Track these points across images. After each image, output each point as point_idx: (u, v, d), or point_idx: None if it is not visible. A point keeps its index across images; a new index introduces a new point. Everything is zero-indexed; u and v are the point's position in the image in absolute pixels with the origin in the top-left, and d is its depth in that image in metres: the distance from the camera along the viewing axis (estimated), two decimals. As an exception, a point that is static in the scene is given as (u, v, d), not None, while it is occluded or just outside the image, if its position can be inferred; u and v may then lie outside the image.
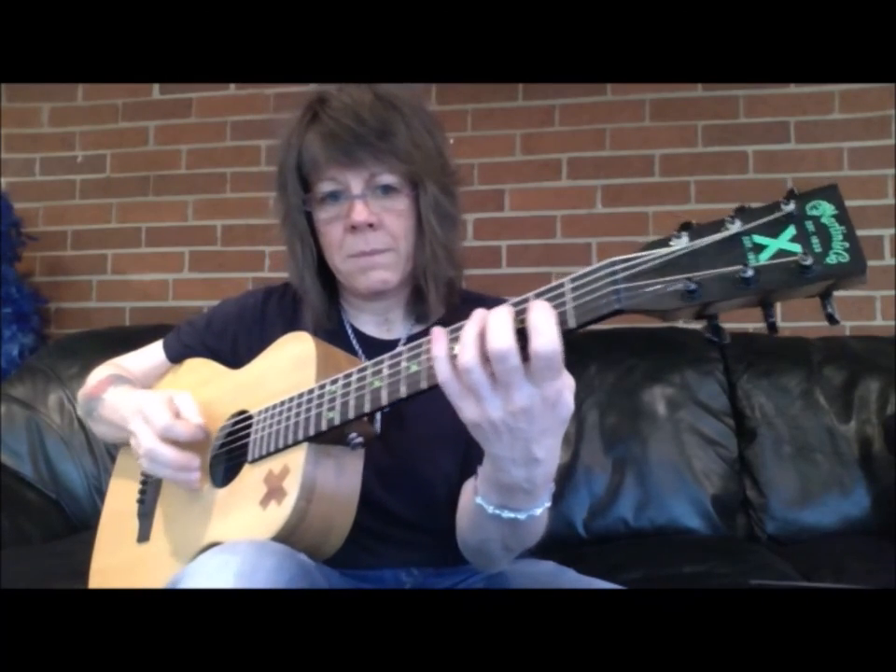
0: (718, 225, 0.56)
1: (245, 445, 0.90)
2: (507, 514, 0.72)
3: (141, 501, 1.01)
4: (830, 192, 0.55)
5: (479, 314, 0.63)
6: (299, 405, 0.84)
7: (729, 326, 2.03)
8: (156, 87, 2.47)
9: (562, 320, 0.60)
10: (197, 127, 2.44)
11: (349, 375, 0.79)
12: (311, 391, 0.83)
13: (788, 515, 1.73)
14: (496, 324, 0.61)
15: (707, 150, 2.21)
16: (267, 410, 0.88)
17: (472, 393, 0.63)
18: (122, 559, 1.01)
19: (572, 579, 0.92)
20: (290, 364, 0.91)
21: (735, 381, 1.85)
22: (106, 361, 1.15)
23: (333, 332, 1.02)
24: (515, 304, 0.63)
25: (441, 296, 1.01)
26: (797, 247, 0.53)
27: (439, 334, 0.65)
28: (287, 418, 0.84)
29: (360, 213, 0.94)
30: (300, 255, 1.01)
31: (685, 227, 0.57)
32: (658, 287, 0.56)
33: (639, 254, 0.58)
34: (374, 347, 1.02)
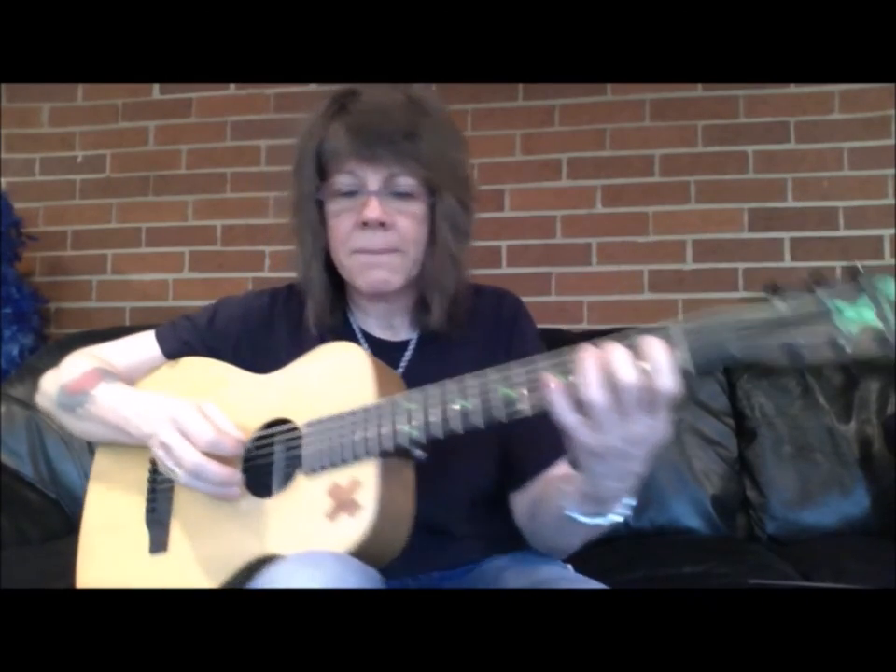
0: (809, 292, 0.65)
1: (297, 457, 0.86)
2: (600, 520, 0.78)
3: (151, 510, 0.95)
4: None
5: (592, 350, 0.69)
6: (366, 419, 0.82)
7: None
8: (156, 87, 2.47)
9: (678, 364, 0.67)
10: (197, 127, 2.44)
11: (425, 391, 0.80)
12: (379, 406, 0.82)
13: (788, 515, 1.73)
14: (621, 361, 0.66)
15: (707, 150, 2.20)
16: (321, 422, 0.85)
17: (593, 422, 0.68)
18: (131, 570, 0.94)
19: (571, 578, 0.92)
20: (342, 375, 0.88)
21: (734, 381, 1.85)
22: (81, 350, 1.06)
23: (340, 332, 1.00)
24: (622, 340, 0.69)
25: (445, 309, 0.99)
26: (879, 322, 0.63)
27: (549, 379, 0.70)
28: (353, 431, 0.82)
29: (374, 210, 0.92)
30: (308, 245, 0.98)
31: (776, 289, 0.66)
32: (768, 343, 0.65)
33: (748, 312, 0.66)
34: (383, 349, 0.99)
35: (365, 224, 0.92)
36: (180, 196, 2.43)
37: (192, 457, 0.84)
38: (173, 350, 1.05)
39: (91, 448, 1.93)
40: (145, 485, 0.97)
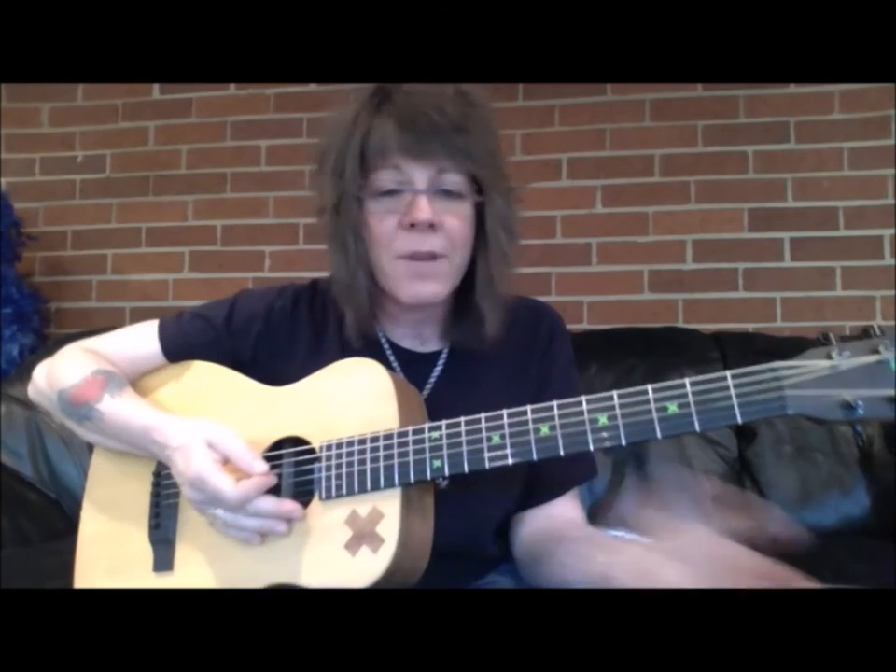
0: (869, 345, 0.63)
1: (309, 481, 0.83)
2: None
3: (155, 525, 0.90)
4: None
5: None
6: (388, 446, 0.79)
7: (729, 325, 2.04)
8: (156, 87, 2.47)
9: (729, 415, 0.66)
10: (197, 127, 2.44)
11: (455, 425, 0.77)
12: (404, 433, 0.79)
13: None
14: None
15: (707, 150, 2.21)
16: (341, 445, 0.82)
17: None
18: (133, 587, 0.90)
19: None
20: (363, 394, 0.83)
21: (734, 381, 1.85)
22: (77, 344, 1.00)
23: (364, 342, 0.93)
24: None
25: (500, 318, 0.91)
26: None
27: None
28: (376, 458, 0.79)
29: (424, 210, 0.84)
30: (352, 249, 0.88)
31: (828, 338, 0.65)
32: (823, 398, 0.63)
33: (802, 363, 0.65)
34: (411, 361, 0.95)
35: (413, 225, 0.84)
36: (180, 196, 2.44)
37: (235, 493, 0.79)
38: (175, 351, 0.98)
39: (91, 448, 1.93)
40: (146, 496, 0.93)
